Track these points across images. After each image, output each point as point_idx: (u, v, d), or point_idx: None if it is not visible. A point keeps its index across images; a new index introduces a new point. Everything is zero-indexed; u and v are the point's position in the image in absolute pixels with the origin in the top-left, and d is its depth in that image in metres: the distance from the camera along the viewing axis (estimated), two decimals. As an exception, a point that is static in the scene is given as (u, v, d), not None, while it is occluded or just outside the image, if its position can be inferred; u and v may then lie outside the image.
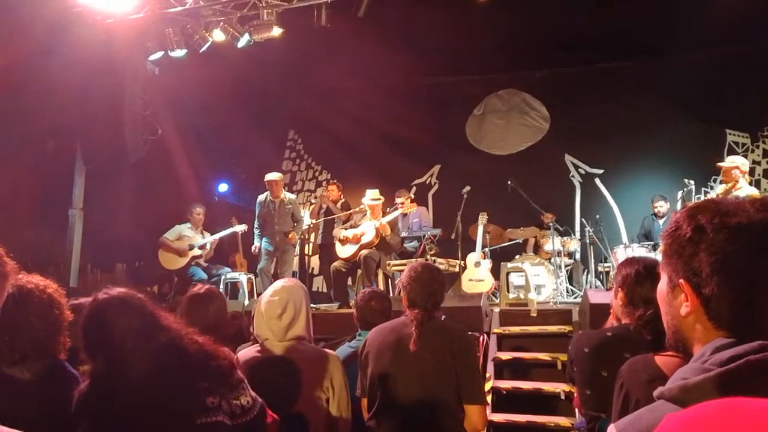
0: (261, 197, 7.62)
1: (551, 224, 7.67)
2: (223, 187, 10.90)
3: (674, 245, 0.93)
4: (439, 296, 2.79)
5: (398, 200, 7.51)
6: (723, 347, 0.84)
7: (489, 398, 4.78)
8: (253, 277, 7.88)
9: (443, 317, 3.07)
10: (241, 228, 7.91)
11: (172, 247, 7.44)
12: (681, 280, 0.91)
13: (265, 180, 7.50)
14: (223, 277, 7.65)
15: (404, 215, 7.54)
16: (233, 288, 8.07)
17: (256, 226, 7.64)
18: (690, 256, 0.90)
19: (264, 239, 7.54)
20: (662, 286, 0.99)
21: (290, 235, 7.45)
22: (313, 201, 9.48)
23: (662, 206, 7.82)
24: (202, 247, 7.56)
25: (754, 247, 0.85)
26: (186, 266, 7.44)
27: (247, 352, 2.59)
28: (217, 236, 7.74)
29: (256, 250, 7.66)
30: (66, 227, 8.08)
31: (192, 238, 7.54)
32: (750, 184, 7.00)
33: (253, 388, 1.94)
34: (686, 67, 9.02)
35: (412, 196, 7.76)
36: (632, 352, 1.94)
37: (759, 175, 9.29)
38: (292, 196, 7.78)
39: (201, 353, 1.83)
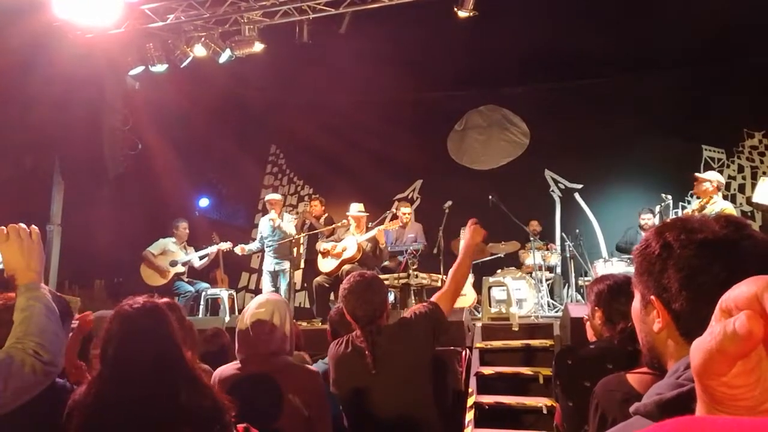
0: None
1: (538, 231, 7.71)
2: (203, 202, 10.81)
3: (644, 263, 0.95)
4: (378, 302, 2.71)
5: (404, 210, 7.57)
6: None
7: (471, 413, 4.77)
8: (234, 293, 7.79)
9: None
10: (226, 246, 7.66)
11: (154, 263, 7.30)
12: (652, 297, 0.93)
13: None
14: (203, 293, 7.56)
15: (403, 227, 7.57)
16: (214, 304, 7.99)
17: None
18: (659, 273, 0.92)
19: None
20: (636, 303, 1.00)
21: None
22: (295, 216, 9.43)
23: (649, 219, 7.86)
24: (185, 264, 7.47)
25: (720, 262, 0.87)
26: (168, 283, 7.31)
27: (226, 369, 2.54)
28: (203, 252, 7.64)
29: None
30: (44, 243, 7.91)
31: (176, 254, 7.43)
32: (726, 198, 7.13)
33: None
34: (664, 85, 9.20)
35: (395, 211, 7.76)
36: (615, 364, 1.97)
37: (734, 189, 9.46)
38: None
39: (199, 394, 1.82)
